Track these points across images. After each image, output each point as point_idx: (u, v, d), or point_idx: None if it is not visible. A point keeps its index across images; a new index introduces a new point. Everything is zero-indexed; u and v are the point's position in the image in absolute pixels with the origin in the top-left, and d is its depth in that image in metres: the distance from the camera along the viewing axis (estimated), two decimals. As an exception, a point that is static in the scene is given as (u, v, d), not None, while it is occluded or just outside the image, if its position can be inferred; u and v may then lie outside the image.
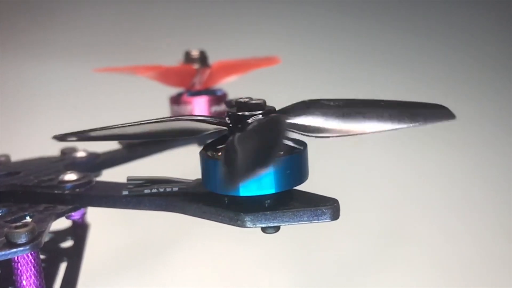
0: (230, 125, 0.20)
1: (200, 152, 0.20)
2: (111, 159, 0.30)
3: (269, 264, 0.54)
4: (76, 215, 0.24)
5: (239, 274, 0.53)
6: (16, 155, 0.32)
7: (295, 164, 0.19)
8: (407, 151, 0.65)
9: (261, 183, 0.19)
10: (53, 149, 0.33)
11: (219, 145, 0.21)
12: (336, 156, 0.57)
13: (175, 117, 0.20)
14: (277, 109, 0.21)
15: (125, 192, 0.22)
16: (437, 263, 0.54)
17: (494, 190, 0.62)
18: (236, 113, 0.20)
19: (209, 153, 0.20)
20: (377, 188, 0.61)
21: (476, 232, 0.57)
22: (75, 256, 0.29)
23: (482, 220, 0.59)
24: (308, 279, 0.54)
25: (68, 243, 0.31)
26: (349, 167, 0.60)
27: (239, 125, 0.19)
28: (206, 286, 0.51)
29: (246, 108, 0.20)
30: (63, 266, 0.29)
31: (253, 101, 0.20)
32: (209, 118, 0.20)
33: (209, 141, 0.21)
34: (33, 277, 0.19)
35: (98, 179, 0.25)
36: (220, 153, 0.20)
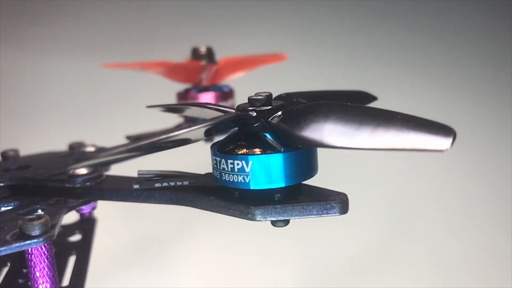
0: (256, 117, 0.19)
1: (211, 147, 0.20)
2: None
3: (273, 263, 0.54)
4: (86, 208, 0.24)
5: (244, 272, 0.53)
6: (21, 151, 0.32)
7: (305, 158, 0.20)
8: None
9: (271, 177, 0.19)
10: (58, 146, 0.33)
11: (228, 144, 0.20)
12: (338, 153, 0.57)
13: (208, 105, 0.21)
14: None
15: (136, 186, 0.22)
16: (441, 261, 0.54)
17: (499, 188, 0.62)
18: (262, 107, 0.19)
19: (220, 148, 0.20)
20: (380, 186, 0.61)
21: (481, 230, 0.58)
22: (83, 250, 0.29)
23: (486, 218, 0.59)
24: (312, 277, 0.54)
25: (76, 237, 0.31)
26: (351, 165, 0.60)
27: (268, 117, 0.19)
28: (210, 282, 0.52)
29: (260, 103, 0.20)
30: (71, 260, 0.29)
31: (265, 97, 0.20)
32: (230, 109, 0.20)
33: (219, 140, 0.21)
34: (46, 268, 0.19)
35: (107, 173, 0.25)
36: (228, 148, 0.20)
